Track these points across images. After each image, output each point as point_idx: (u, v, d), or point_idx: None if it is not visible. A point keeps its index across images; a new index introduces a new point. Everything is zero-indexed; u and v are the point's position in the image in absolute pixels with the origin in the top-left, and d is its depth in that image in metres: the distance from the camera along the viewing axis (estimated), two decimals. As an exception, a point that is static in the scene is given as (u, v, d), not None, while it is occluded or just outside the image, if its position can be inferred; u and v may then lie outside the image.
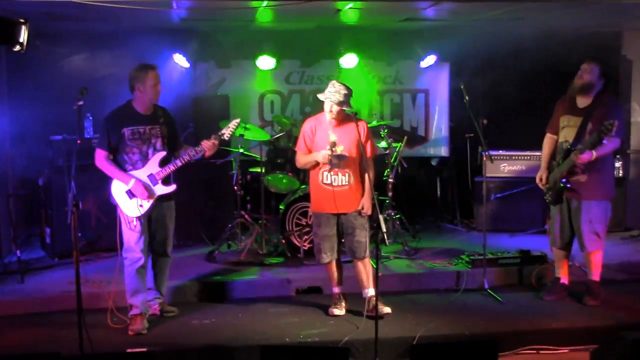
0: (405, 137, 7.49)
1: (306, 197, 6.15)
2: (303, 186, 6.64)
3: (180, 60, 7.63)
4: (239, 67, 8.17)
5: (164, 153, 5.11)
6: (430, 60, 8.05)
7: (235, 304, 5.80)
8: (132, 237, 5.06)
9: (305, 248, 6.52)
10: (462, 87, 5.95)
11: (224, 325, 5.30)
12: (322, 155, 5.18)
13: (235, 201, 6.99)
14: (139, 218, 5.05)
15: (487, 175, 6.20)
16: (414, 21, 7.28)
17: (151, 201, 5.06)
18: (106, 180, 5.11)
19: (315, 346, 4.77)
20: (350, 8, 6.38)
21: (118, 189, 5.04)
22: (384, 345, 4.73)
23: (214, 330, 5.19)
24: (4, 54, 7.19)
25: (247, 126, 6.72)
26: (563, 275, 5.79)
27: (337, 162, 5.20)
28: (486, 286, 5.89)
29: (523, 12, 6.65)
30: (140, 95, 5.07)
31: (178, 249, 6.80)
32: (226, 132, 5.20)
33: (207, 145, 5.11)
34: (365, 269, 5.38)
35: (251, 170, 7.35)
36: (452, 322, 5.27)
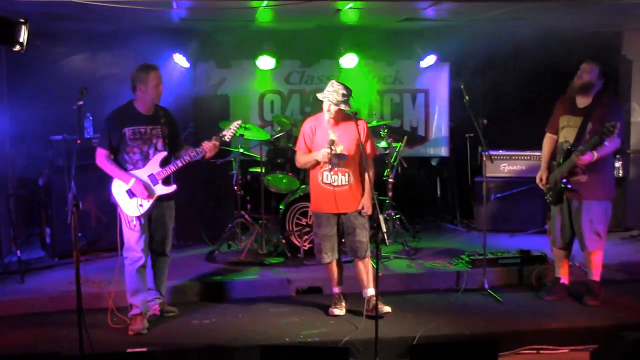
0: (405, 137, 7.49)
1: (306, 197, 6.15)
2: (303, 186, 6.64)
3: (180, 60, 7.62)
4: (239, 67, 8.16)
5: (165, 153, 5.12)
6: (430, 60, 8.04)
7: (235, 303, 5.79)
8: (132, 236, 5.06)
9: (306, 248, 6.51)
10: (462, 87, 5.95)
11: (224, 325, 5.29)
12: (322, 154, 5.17)
13: (235, 201, 6.99)
14: (138, 218, 5.05)
15: (487, 175, 6.20)
16: (414, 21, 7.27)
17: (151, 201, 5.06)
18: (106, 180, 5.12)
19: (315, 346, 4.76)
20: (350, 8, 6.38)
21: (118, 188, 5.04)
22: (384, 345, 4.73)
23: (214, 330, 5.18)
24: (4, 54, 7.18)
25: (247, 126, 6.70)
26: (563, 275, 5.79)
27: (337, 161, 5.19)
28: (486, 286, 5.89)
29: (523, 12, 6.65)
30: (142, 95, 5.07)
31: (178, 249, 6.81)
32: (227, 134, 5.21)
33: (208, 147, 5.12)
34: (366, 268, 5.38)
35: (251, 170, 7.35)
36: (452, 322, 5.26)
